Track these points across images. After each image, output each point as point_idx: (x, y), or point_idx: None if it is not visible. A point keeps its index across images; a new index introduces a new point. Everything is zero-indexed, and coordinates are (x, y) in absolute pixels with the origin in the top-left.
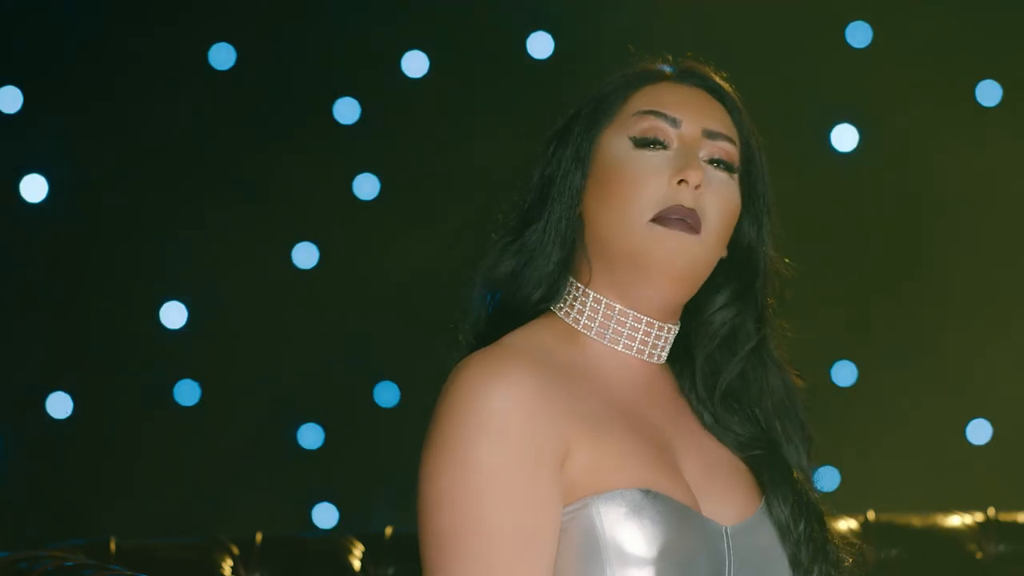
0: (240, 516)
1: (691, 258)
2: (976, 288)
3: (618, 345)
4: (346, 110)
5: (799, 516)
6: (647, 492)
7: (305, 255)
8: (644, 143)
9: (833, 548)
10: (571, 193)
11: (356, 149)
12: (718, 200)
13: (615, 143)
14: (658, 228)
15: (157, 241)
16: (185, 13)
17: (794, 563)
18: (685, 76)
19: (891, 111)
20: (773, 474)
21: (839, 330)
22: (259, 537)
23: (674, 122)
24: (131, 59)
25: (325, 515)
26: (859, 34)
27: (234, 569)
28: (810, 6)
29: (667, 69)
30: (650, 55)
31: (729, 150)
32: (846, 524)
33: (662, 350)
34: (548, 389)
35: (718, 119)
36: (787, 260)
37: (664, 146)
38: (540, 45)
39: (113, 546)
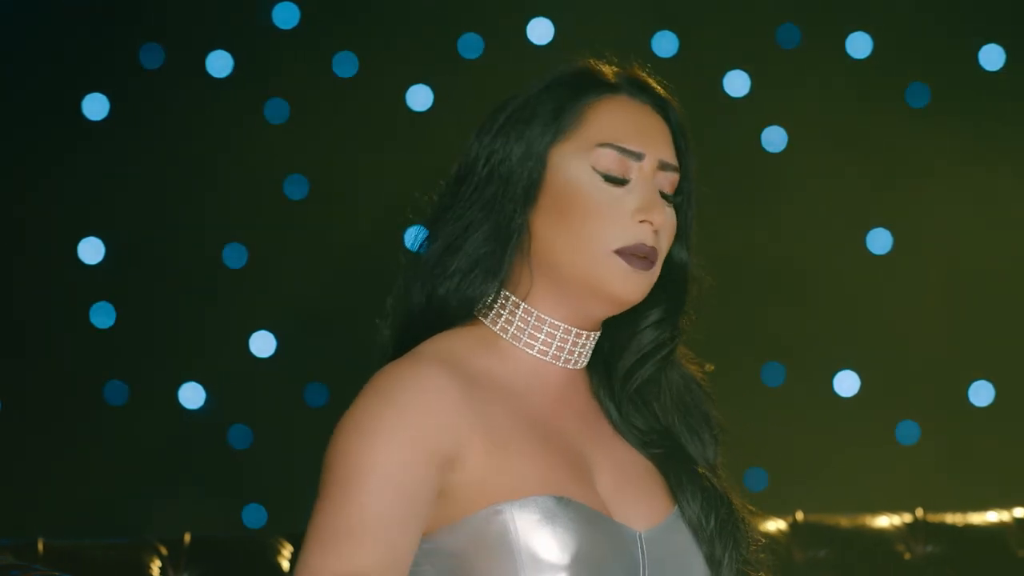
0: (169, 516)
1: (645, 289)
2: (899, 289)
3: (547, 356)
4: (276, 111)
5: (709, 511)
6: (560, 499)
7: (235, 255)
8: (609, 179)
9: (742, 534)
10: (523, 201)
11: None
12: (667, 233)
13: (576, 168)
14: (620, 261)
15: (84, 241)
16: (115, 12)
17: (710, 560)
18: (636, 89)
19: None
20: (679, 472)
21: (768, 331)
22: (188, 538)
23: (637, 156)
24: (59, 59)
25: (254, 515)
26: (790, 36)
27: (162, 570)
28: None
29: (614, 70)
30: (591, 52)
31: (674, 180)
32: (774, 525)
33: (582, 356)
34: (456, 395)
35: (668, 146)
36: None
37: (626, 181)
38: (470, 45)
39: (41, 546)
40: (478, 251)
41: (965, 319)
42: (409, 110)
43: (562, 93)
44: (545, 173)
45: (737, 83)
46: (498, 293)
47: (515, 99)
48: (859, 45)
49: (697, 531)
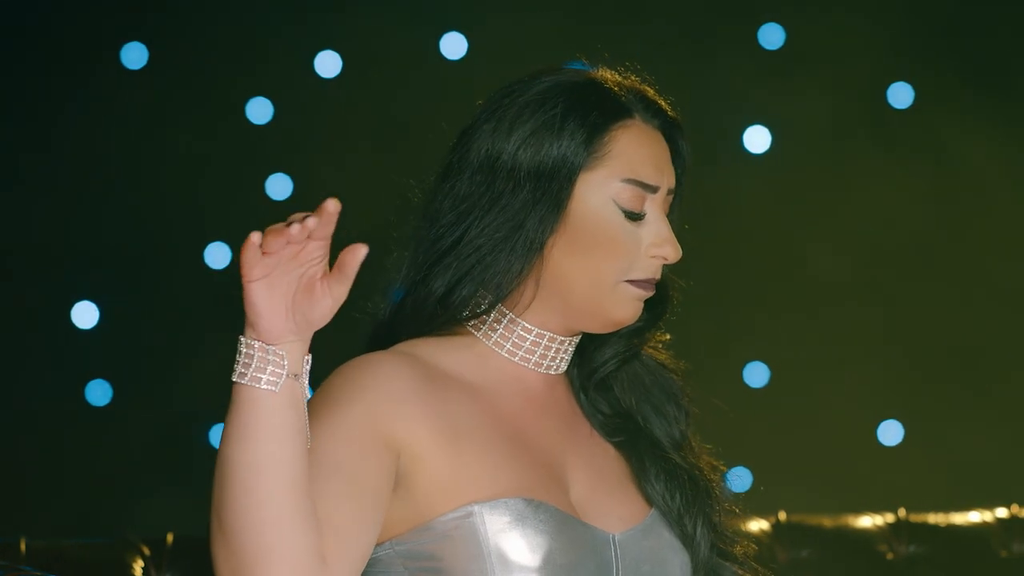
0: (151, 516)
1: (640, 311)
2: (883, 290)
3: (528, 363)
4: (259, 110)
5: (674, 490)
6: (530, 501)
7: (218, 255)
8: (628, 215)
9: (712, 508)
10: (550, 223)
11: (268, 149)
12: None
13: (599, 200)
14: (629, 288)
15: (66, 240)
16: (96, 11)
17: (684, 540)
18: (648, 113)
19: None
20: (641, 455)
21: (752, 331)
22: (170, 538)
23: (653, 190)
24: (42, 57)
25: None
26: (771, 36)
27: (145, 570)
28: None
29: (623, 84)
30: (604, 60)
31: (671, 200)
32: (757, 525)
33: (563, 362)
34: (416, 389)
35: (672, 171)
36: (682, 283)
37: (643, 215)
38: (453, 45)
39: (23, 546)
40: (495, 267)
41: (947, 320)
42: (392, 110)
43: (589, 114)
44: (571, 198)
45: (719, 83)
46: (492, 305)
47: (532, 103)
48: (840, 45)
49: (666, 514)
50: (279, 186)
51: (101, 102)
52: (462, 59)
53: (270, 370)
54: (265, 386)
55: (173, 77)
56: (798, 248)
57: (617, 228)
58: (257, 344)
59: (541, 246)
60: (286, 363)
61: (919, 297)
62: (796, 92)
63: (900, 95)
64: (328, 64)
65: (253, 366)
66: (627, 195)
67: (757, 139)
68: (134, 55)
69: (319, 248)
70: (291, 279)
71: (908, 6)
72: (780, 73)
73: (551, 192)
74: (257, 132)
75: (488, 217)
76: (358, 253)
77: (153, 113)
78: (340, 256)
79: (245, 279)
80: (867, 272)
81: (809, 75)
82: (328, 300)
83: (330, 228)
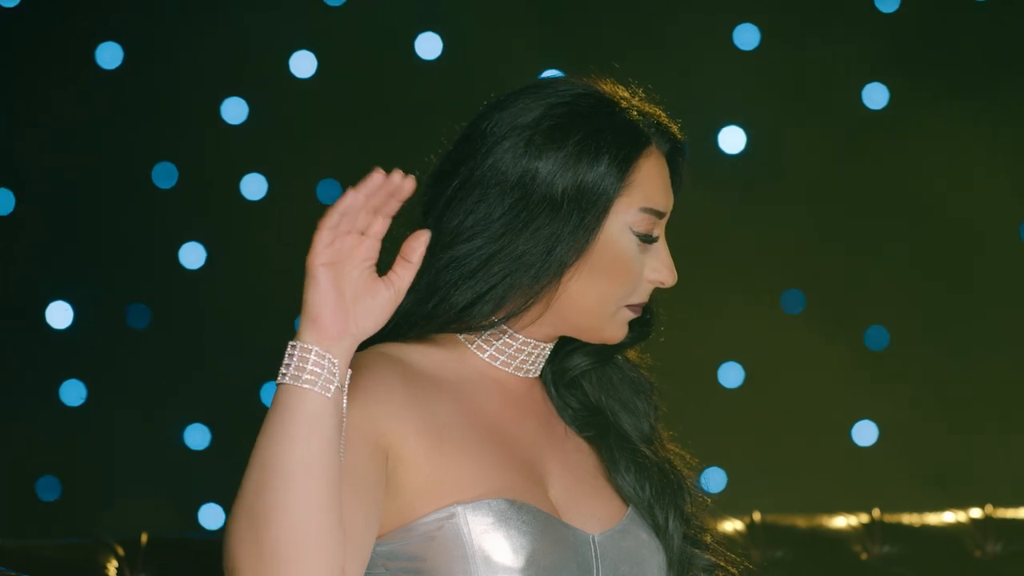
0: (125, 516)
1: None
2: (858, 289)
3: (509, 368)
4: (234, 110)
5: (643, 481)
6: (512, 502)
7: (192, 255)
8: (644, 238)
9: (682, 498)
10: (579, 253)
11: (243, 149)
12: None
13: (618, 227)
14: (626, 313)
15: (41, 240)
16: (72, 12)
17: (656, 530)
18: (662, 140)
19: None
20: (611, 448)
21: (726, 332)
22: (144, 538)
23: (662, 216)
24: (18, 57)
25: (211, 516)
26: (747, 37)
27: (119, 570)
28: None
29: (639, 107)
30: (629, 82)
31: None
32: (732, 525)
33: (539, 366)
34: (400, 391)
35: (672, 194)
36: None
37: (655, 240)
38: (429, 46)
39: None
40: (516, 288)
41: (923, 320)
42: (368, 110)
43: (623, 144)
44: (600, 231)
45: (693, 83)
46: (500, 323)
47: (561, 126)
48: (816, 46)
49: (638, 505)
50: (254, 186)
51: (76, 102)
52: (437, 59)
53: (324, 375)
54: (319, 390)
55: (148, 77)
56: (773, 249)
57: (631, 256)
58: (314, 350)
59: (563, 271)
60: (338, 371)
61: (894, 298)
62: (771, 92)
63: (875, 95)
64: (303, 64)
65: (308, 369)
66: (644, 224)
67: (732, 139)
68: (109, 55)
69: (374, 247)
70: (354, 276)
71: (884, 7)
72: (755, 73)
73: (587, 219)
74: (232, 132)
75: (519, 240)
76: (422, 238)
77: (128, 113)
78: (404, 244)
79: (315, 261)
80: (842, 272)
81: (784, 75)
82: (390, 291)
83: (392, 205)
